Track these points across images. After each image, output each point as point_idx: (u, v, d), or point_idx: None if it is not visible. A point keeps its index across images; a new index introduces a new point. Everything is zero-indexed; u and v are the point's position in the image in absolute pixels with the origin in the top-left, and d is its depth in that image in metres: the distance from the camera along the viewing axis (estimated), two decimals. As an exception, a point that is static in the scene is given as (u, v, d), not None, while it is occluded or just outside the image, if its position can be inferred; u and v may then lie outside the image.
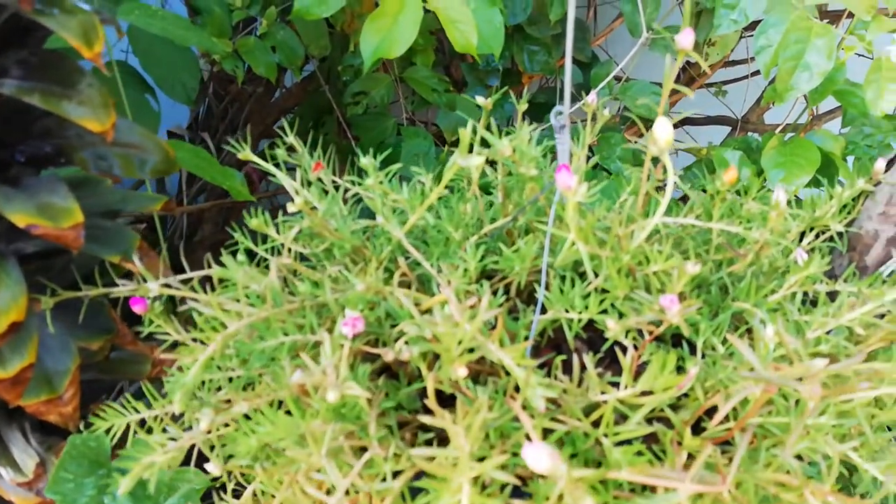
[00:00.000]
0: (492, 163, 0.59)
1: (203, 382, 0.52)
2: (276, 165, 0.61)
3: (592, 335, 0.53)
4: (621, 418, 0.44)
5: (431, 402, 0.40)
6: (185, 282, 0.55)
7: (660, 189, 0.57)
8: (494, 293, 0.51)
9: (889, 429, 0.49)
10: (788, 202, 0.52)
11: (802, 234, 0.60)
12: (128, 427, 0.54)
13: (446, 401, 0.45)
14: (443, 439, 0.47)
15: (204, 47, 0.87)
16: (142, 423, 0.54)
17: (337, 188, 0.64)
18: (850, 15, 1.24)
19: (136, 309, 0.51)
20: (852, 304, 0.50)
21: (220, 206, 1.39)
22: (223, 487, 0.52)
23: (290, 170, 0.62)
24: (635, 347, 0.45)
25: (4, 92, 0.47)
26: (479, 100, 0.62)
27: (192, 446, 0.48)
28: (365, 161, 0.54)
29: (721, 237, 0.55)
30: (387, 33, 0.79)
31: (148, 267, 0.56)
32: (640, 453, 0.40)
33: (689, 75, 1.36)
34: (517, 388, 0.44)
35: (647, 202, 0.56)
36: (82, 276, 0.59)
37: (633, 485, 0.41)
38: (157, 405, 0.53)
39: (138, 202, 0.61)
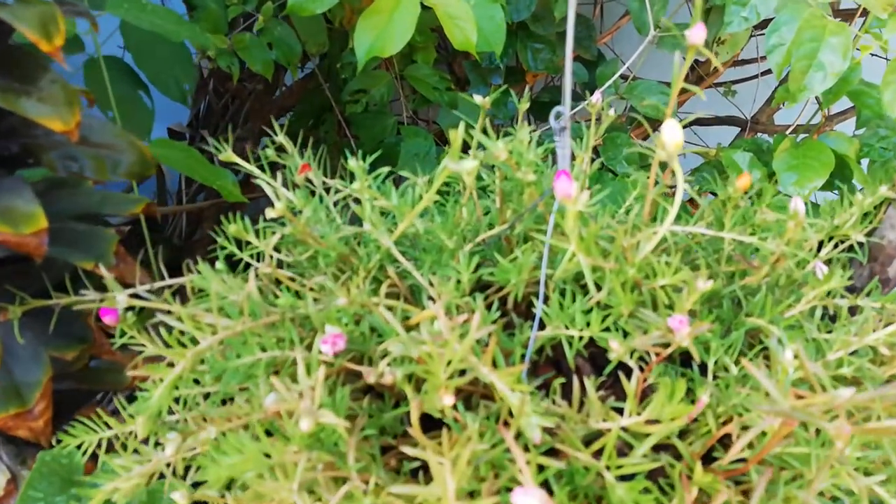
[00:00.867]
0: (490, 165, 0.55)
1: (178, 399, 0.48)
2: (265, 166, 0.57)
3: (594, 350, 0.49)
4: (625, 446, 0.40)
5: (416, 431, 0.36)
6: (162, 290, 0.51)
7: (667, 195, 0.53)
8: (489, 307, 0.46)
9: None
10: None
11: (820, 244, 0.55)
12: (107, 440, 0.51)
13: (435, 423, 0.41)
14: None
15: (196, 42, 0.83)
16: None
17: (328, 190, 0.60)
18: (864, 13, 1.19)
19: (107, 320, 0.47)
20: (876, 321, 0.46)
21: (219, 206, 1.35)
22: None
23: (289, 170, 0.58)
24: (641, 369, 0.41)
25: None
26: (477, 98, 0.58)
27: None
28: (353, 163, 0.50)
29: (733, 247, 0.51)
30: (382, 30, 0.75)
31: (125, 273, 0.52)
32: (646, 490, 0.36)
33: (697, 74, 1.31)
34: (512, 413, 0.40)
35: (655, 209, 0.52)
36: (58, 283, 0.55)
37: (637, 524, 0.37)
38: (130, 422, 0.49)
39: (118, 204, 0.57)
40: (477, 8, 0.80)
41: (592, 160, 0.66)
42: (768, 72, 1.40)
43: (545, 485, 0.38)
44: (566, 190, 0.38)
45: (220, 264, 0.48)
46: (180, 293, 0.49)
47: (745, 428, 0.37)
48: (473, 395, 0.43)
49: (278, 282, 0.49)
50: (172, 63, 0.97)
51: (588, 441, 0.39)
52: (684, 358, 0.47)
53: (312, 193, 0.58)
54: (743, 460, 0.39)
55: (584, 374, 0.48)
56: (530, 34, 1.14)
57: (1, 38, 0.44)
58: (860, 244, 0.54)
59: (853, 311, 0.50)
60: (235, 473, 0.35)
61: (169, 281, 0.51)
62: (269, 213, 0.44)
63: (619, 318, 0.43)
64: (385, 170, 0.49)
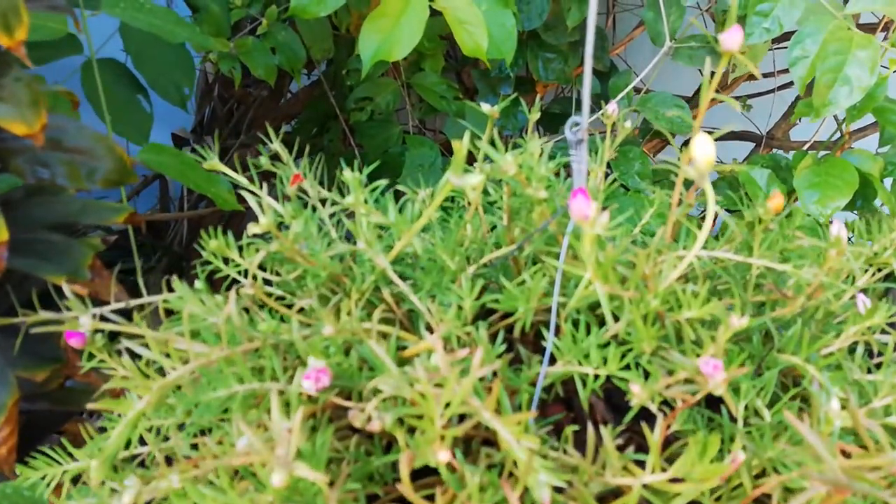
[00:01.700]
0: (497, 180, 0.50)
1: (150, 427, 0.43)
2: (254, 176, 0.52)
3: (609, 387, 0.43)
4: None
5: (406, 488, 0.31)
6: (139, 308, 0.46)
7: (692, 216, 0.48)
8: (494, 337, 0.41)
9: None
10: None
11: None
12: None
13: (430, 470, 0.35)
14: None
15: (196, 45, 0.79)
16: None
17: (325, 202, 0.55)
18: (885, 28, 1.14)
19: (73, 343, 0.42)
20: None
21: (220, 213, 1.30)
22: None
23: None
24: (664, 412, 0.36)
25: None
26: (485, 107, 0.53)
27: None
28: (347, 174, 0.45)
29: (765, 275, 0.45)
30: (388, 34, 0.70)
31: (99, 289, 0.47)
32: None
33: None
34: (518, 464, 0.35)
35: (676, 230, 0.46)
36: (29, 298, 0.50)
37: None
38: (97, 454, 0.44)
39: (98, 213, 0.53)
40: (488, 14, 0.75)
41: (606, 175, 0.61)
42: (785, 86, 1.35)
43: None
44: (583, 210, 0.33)
45: (199, 283, 0.43)
46: (167, 311, 0.44)
47: (787, 490, 0.32)
48: (474, 438, 0.38)
49: (263, 305, 0.44)
50: (173, 67, 0.93)
51: (603, 498, 0.34)
52: (710, 398, 0.42)
53: (307, 206, 0.53)
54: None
55: (598, 415, 0.43)
56: (542, 43, 1.09)
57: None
58: (901, 273, 0.49)
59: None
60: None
61: (145, 299, 0.46)
62: (252, 228, 0.39)
63: (639, 355, 0.37)
64: (383, 182, 0.44)
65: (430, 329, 0.41)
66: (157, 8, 0.78)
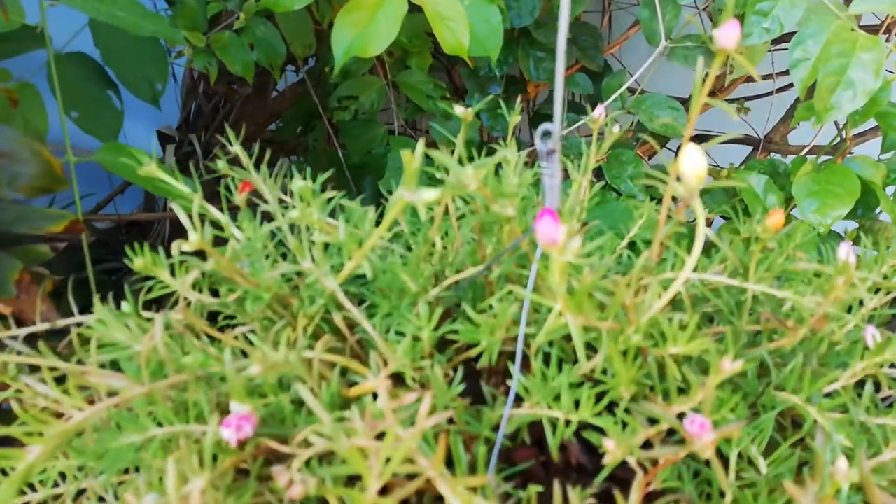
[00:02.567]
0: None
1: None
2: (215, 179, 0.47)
3: (585, 423, 0.38)
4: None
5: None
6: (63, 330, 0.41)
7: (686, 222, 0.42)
8: (458, 367, 0.36)
9: None
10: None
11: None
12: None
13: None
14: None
15: (163, 38, 0.73)
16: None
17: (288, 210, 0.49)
18: (888, 30, 1.08)
19: (-18, 370, 0.37)
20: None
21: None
22: None
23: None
24: (644, 468, 0.30)
25: None
26: (458, 110, 0.48)
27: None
28: (299, 183, 0.39)
29: (760, 299, 0.40)
30: (363, 29, 0.64)
31: (25, 307, 0.42)
32: None
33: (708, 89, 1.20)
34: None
35: (664, 249, 0.41)
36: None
37: None
38: None
39: (34, 221, 0.47)
40: (471, 9, 0.70)
41: (593, 182, 0.56)
42: (783, 88, 1.29)
43: None
44: (550, 234, 0.28)
45: (127, 304, 0.38)
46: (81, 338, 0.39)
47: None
48: (426, 493, 0.33)
49: (200, 334, 0.39)
50: (145, 62, 0.87)
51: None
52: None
53: (268, 218, 0.48)
54: None
55: (573, 457, 0.37)
56: (533, 42, 1.03)
57: None
58: (912, 298, 0.43)
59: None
60: None
61: (73, 319, 0.41)
62: (177, 245, 0.34)
63: (618, 399, 0.32)
64: (333, 194, 0.39)
65: (385, 362, 0.36)
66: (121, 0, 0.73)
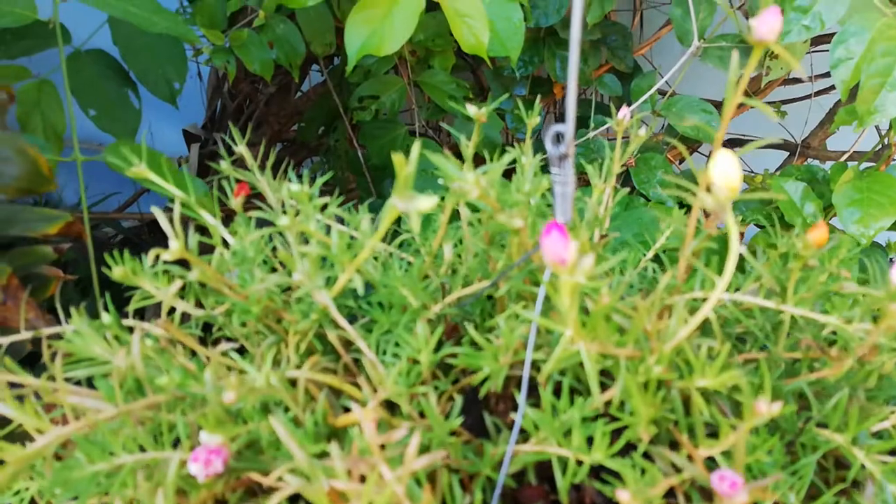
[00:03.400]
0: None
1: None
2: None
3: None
4: None
5: None
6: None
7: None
8: (462, 391, 0.32)
9: None
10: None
11: None
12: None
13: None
14: None
15: (176, 34, 0.71)
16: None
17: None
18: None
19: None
20: None
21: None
22: None
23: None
24: (663, 519, 0.26)
25: None
26: (470, 110, 0.44)
27: None
28: (294, 188, 0.36)
29: (798, 322, 0.36)
30: (377, 26, 0.61)
31: (10, 314, 0.39)
32: None
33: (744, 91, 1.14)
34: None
35: (691, 269, 0.37)
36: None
37: None
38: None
39: (28, 223, 0.45)
40: (491, 6, 0.66)
41: (617, 189, 0.51)
42: (822, 91, 1.23)
43: None
44: (557, 252, 0.24)
45: (108, 316, 0.35)
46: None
47: None
48: (416, 537, 0.29)
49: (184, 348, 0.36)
50: (163, 60, 0.85)
51: None
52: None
53: (265, 223, 0.45)
54: None
55: (587, 498, 0.33)
56: (560, 42, 0.99)
57: None
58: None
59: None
60: None
61: (55, 329, 0.38)
62: (153, 254, 0.31)
63: (636, 440, 0.28)
64: (326, 200, 0.35)
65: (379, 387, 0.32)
66: (136, -5, 0.70)
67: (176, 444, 0.31)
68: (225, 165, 0.49)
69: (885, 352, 0.32)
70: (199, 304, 0.38)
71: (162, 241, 0.32)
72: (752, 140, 1.13)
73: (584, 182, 0.94)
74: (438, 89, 0.94)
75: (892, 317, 0.30)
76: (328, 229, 0.38)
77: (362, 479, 0.25)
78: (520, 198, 0.30)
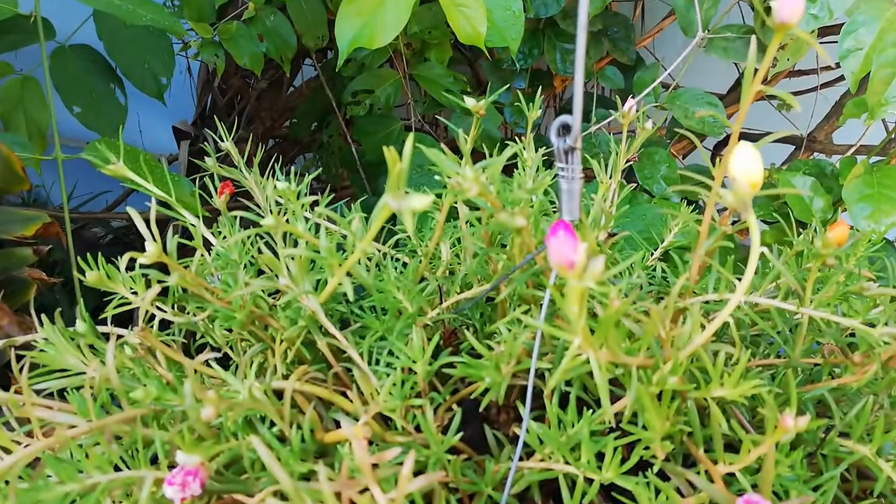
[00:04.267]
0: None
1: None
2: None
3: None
4: None
5: None
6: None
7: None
8: (461, 401, 0.30)
9: None
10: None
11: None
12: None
13: None
14: None
15: (162, 27, 0.69)
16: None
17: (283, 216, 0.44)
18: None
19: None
20: None
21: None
22: None
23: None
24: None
25: None
26: (469, 103, 0.42)
27: None
28: (281, 185, 0.34)
29: (821, 332, 0.34)
30: (369, 17, 0.59)
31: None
32: None
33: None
34: None
35: (704, 269, 0.35)
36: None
37: None
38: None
39: (4, 224, 0.43)
40: (490, -6, 0.64)
41: (623, 185, 0.49)
42: (828, 84, 1.21)
43: None
44: (565, 254, 0.22)
45: (82, 324, 0.33)
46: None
47: None
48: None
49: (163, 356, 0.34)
50: (149, 54, 0.83)
51: None
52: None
53: (247, 225, 0.43)
54: None
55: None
56: (560, 33, 0.97)
57: None
58: None
59: None
60: None
61: (28, 337, 0.36)
62: (127, 257, 0.29)
63: (649, 455, 0.26)
64: (315, 199, 0.33)
65: (363, 404, 0.31)
66: (119, -14, 0.68)
67: (154, 460, 0.29)
68: (211, 162, 0.48)
69: (912, 357, 0.31)
70: (183, 310, 0.36)
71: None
72: (755, 134, 1.12)
73: (585, 178, 0.92)
74: (435, 83, 0.92)
75: (923, 320, 0.28)
76: (318, 229, 0.36)
77: (352, 502, 0.23)
78: (522, 195, 0.28)
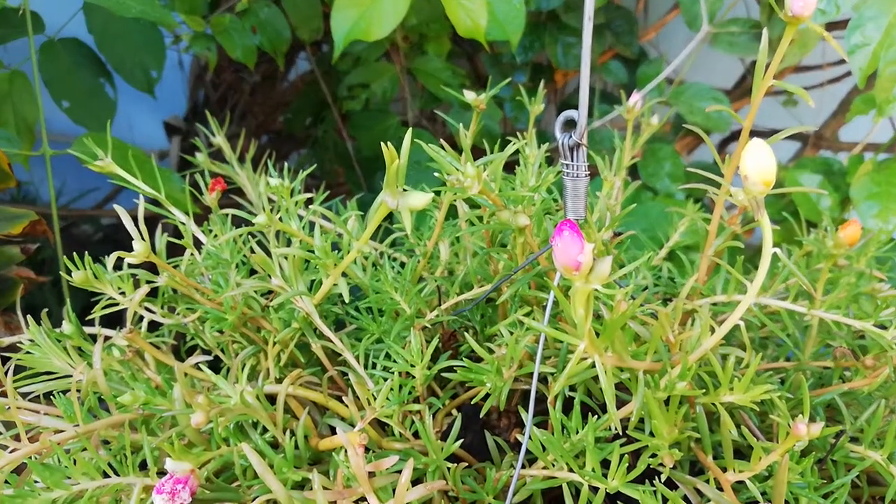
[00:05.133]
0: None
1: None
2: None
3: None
4: None
5: None
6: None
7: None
8: (462, 405, 0.30)
9: None
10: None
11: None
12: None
13: None
14: None
15: (152, 19, 0.68)
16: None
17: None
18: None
19: None
20: None
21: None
22: None
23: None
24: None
25: None
26: (468, 96, 0.42)
27: None
28: (273, 182, 0.34)
29: (832, 334, 0.34)
30: (366, 9, 0.59)
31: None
32: None
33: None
34: None
35: (712, 268, 0.35)
36: None
37: None
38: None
39: (-11, 222, 0.42)
40: (490, -13, 0.63)
41: (627, 182, 0.49)
42: (835, 80, 1.21)
43: None
44: (571, 256, 0.21)
45: (69, 325, 0.33)
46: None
47: None
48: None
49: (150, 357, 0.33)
50: (139, 47, 0.83)
51: None
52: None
53: (239, 223, 0.43)
54: None
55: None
56: (562, 26, 0.97)
57: None
58: None
59: None
60: None
61: (13, 338, 0.36)
62: (113, 257, 0.28)
63: (656, 463, 0.26)
64: (309, 196, 0.33)
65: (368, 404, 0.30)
66: (108, -23, 0.68)
67: (143, 466, 0.29)
68: (202, 158, 0.47)
69: (927, 361, 0.30)
70: (173, 311, 0.35)
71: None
72: (760, 130, 1.11)
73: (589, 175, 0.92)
74: (433, 77, 0.91)
75: (938, 323, 0.28)
76: (312, 227, 0.36)
77: (349, 511, 0.23)
78: (524, 192, 0.28)
